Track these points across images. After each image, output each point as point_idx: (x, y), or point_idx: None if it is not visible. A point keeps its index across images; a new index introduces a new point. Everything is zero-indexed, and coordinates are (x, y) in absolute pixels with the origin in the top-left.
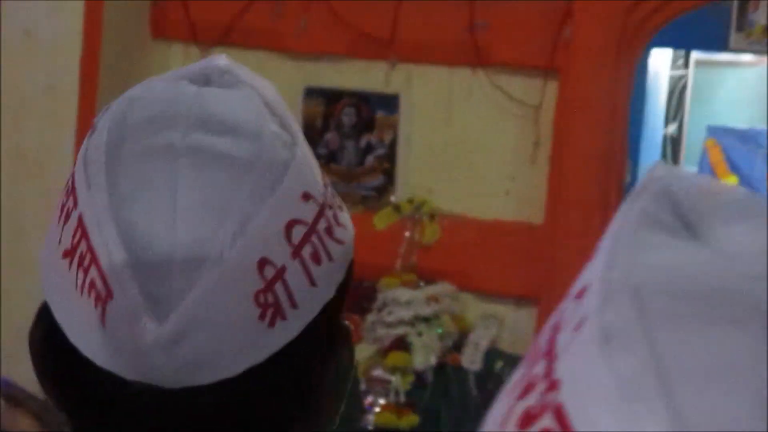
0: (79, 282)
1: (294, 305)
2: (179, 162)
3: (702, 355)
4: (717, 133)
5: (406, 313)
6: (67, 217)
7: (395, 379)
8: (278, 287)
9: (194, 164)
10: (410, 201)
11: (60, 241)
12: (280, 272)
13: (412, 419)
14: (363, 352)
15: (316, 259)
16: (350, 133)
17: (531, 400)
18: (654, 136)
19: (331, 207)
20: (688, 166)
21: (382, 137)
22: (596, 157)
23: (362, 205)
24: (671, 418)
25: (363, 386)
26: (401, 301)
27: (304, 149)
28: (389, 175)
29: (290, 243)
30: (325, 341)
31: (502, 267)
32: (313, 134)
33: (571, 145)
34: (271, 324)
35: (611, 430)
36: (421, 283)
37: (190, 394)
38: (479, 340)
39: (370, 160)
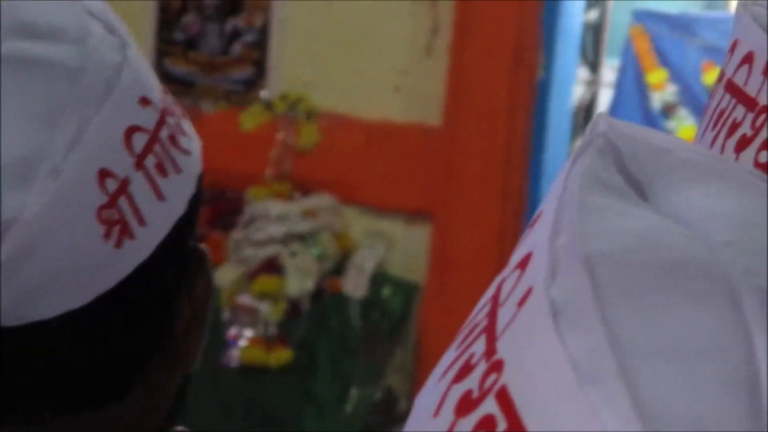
0: None
1: (142, 222)
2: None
3: (663, 333)
4: (644, 18)
5: (277, 230)
6: None
7: (265, 308)
8: (122, 202)
9: (14, 73)
10: (284, 97)
11: None
12: (124, 185)
13: (283, 355)
14: (227, 275)
15: (162, 170)
16: (213, 16)
17: (469, 383)
18: (572, 23)
19: (172, 114)
20: (611, 58)
21: (251, 21)
22: (504, 48)
23: (227, 101)
24: (632, 403)
25: (226, 316)
26: (272, 216)
27: (135, 52)
28: (260, 67)
29: (131, 152)
30: (178, 266)
31: (392, 176)
32: (168, 17)
33: (474, 34)
34: (118, 244)
35: (564, 417)
36: (297, 195)
37: (34, 330)
38: (364, 263)
39: (236, 48)
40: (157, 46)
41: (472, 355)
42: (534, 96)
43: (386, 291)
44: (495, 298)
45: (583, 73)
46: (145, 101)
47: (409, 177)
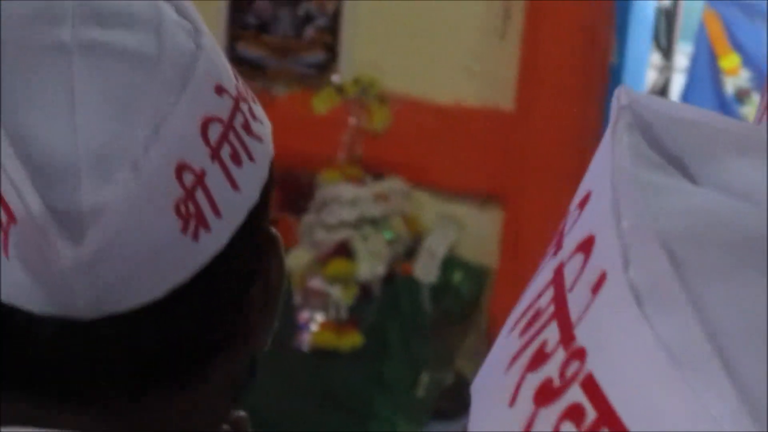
0: None
1: (217, 213)
2: (73, 61)
3: (753, 312)
4: (717, 3)
5: (349, 214)
6: None
7: (336, 292)
8: (199, 194)
9: (90, 62)
10: (356, 81)
11: None
12: (200, 177)
13: (354, 339)
14: (298, 259)
15: (236, 159)
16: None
17: (547, 371)
18: (644, 8)
19: (245, 100)
20: (683, 42)
21: (323, 5)
22: (577, 32)
23: (299, 84)
24: (734, 388)
25: (298, 299)
26: (344, 200)
27: (208, 37)
28: (331, 50)
29: (208, 144)
30: (252, 252)
31: (464, 160)
32: (240, 0)
33: (547, 17)
34: (195, 236)
35: (662, 403)
36: (368, 178)
37: (109, 324)
38: (435, 247)
39: (309, 31)
40: (230, 30)
41: (544, 343)
42: (606, 81)
43: (457, 275)
44: (557, 283)
45: (655, 58)
46: (220, 89)
47: (480, 160)
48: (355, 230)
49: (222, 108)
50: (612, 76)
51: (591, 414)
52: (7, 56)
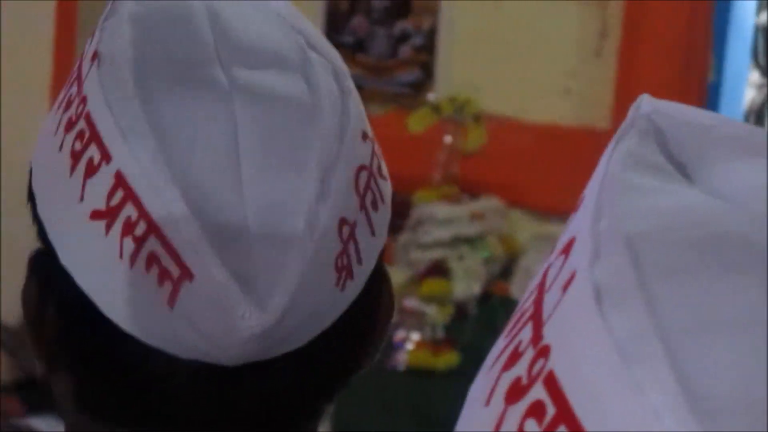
0: (127, 252)
1: (360, 262)
2: (234, 102)
3: (706, 308)
4: None
5: (444, 233)
6: (92, 169)
7: (432, 311)
8: (350, 247)
9: (250, 105)
10: (452, 100)
11: (82, 198)
12: (352, 230)
13: (451, 358)
14: (394, 278)
15: (375, 206)
16: (382, 19)
17: (518, 370)
18: (743, 25)
19: (374, 139)
20: None
21: (419, 24)
22: (674, 51)
23: (395, 103)
24: (678, 381)
25: (394, 319)
26: (439, 219)
27: (350, 79)
28: (427, 69)
29: (358, 194)
30: (374, 289)
31: (560, 179)
32: (337, 19)
33: (643, 36)
34: (343, 288)
35: (611, 399)
36: (464, 198)
37: (252, 370)
38: (531, 266)
39: (404, 50)
40: None
41: (520, 343)
42: (704, 99)
43: None
44: (541, 285)
45: (754, 76)
46: (365, 136)
47: (576, 180)
48: (451, 249)
49: (367, 155)
50: (710, 94)
51: (551, 411)
52: (159, 90)
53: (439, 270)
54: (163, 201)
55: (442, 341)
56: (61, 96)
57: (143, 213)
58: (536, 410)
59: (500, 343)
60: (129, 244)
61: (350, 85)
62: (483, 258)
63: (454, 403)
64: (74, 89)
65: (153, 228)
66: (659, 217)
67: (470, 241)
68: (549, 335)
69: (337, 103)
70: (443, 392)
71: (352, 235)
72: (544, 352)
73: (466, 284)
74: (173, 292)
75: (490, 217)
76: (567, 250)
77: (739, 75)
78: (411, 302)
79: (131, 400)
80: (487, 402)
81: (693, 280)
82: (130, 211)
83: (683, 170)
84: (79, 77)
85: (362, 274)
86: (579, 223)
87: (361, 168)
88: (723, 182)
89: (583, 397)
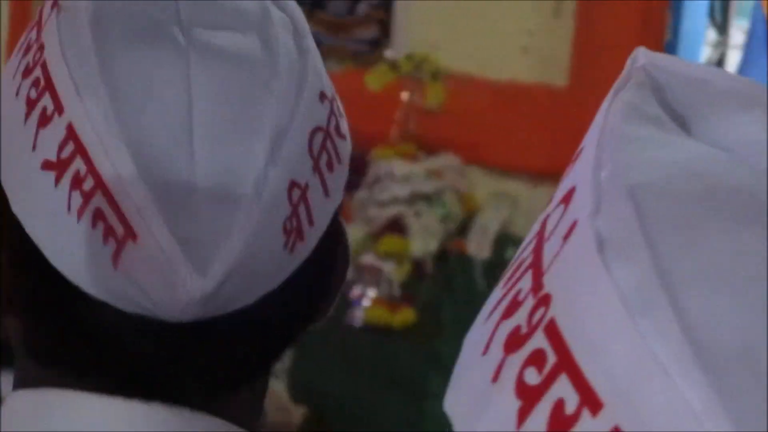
0: (75, 206)
1: (311, 223)
2: (190, 62)
3: (710, 259)
4: None
5: (402, 190)
6: (45, 119)
7: (389, 268)
8: (301, 209)
9: (206, 67)
10: (410, 57)
11: (35, 147)
12: (304, 192)
13: (408, 315)
14: (351, 235)
15: (330, 166)
16: None
17: (518, 319)
18: None
19: (335, 99)
20: (739, 19)
21: None
22: (631, 10)
23: (352, 61)
24: (682, 332)
25: (351, 275)
26: (397, 176)
27: (310, 37)
28: (385, 27)
29: (312, 156)
30: (329, 245)
31: (518, 137)
32: None
33: None
34: (292, 250)
35: (614, 348)
36: (421, 155)
37: (198, 326)
38: (488, 223)
39: (362, 8)
40: None
41: (519, 292)
42: None
43: (510, 252)
44: (540, 234)
45: (711, 34)
46: (322, 96)
47: (534, 138)
48: (408, 207)
49: (323, 115)
50: (667, 53)
51: (551, 359)
52: (118, 46)
53: (396, 227)
54: (111, 160)
55: (399, 298)
56: (23, 38)
57: (92, 169)
58: (536, 358)
59: (498, 292)
60: (77, 198)
61: (310, 44)
62: (440, 215)
63: (410, 359)
64: (34, 34)
65: (100, 185)
66: (661, 168)
67: (428, 199)
68: (550, 284)
69: (294, 63)
70: (400, 349)
71: (303, 197)
72: (544, 301)
73: (424, 241)
74: (117, 251)
75: (448, 174)
76: (567, 199)
77: (696, 33)
78: (368, 259)
79: (77, 349)
80: (485, 351)
81: (697, 232)
82: (79, 165)
83: (681, 122)
84: (39, 22)
85: (314, 234)
86: (578, 174)
87: (317, 129)
88: (722, 135)
89: (585, 346)
